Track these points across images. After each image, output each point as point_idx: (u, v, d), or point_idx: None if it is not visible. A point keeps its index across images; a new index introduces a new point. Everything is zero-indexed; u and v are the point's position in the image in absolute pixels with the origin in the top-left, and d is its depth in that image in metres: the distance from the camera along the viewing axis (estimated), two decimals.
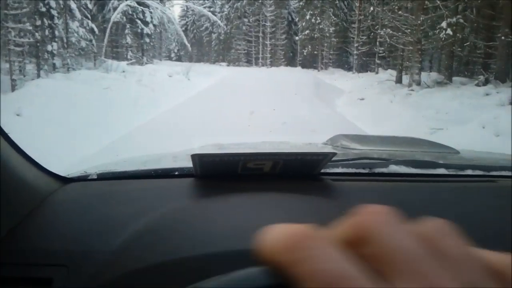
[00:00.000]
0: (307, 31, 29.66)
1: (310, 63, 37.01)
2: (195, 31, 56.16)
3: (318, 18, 28.34)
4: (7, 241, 0.72)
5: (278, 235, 0.22)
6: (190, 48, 23.13)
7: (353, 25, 26.19)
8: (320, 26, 28.44)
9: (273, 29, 38.01)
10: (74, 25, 14.98)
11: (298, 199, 0.85)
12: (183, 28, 60.13)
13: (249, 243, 0.61)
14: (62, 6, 14.34)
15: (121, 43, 23.22)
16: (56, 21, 13.61)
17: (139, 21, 22.92)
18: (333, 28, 28.28)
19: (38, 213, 0.80)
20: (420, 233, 0.20)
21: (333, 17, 28.26)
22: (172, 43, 59.06)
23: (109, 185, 0.99)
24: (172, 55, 57.11)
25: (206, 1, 50.54)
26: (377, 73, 20.81)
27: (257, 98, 11.65)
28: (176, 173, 1.02)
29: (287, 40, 38.68)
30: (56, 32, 13.76)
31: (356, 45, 24.63)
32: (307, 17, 29.24)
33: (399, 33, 12.94)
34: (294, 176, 0.97)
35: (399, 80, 15.40)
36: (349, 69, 29.83)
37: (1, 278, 0.66)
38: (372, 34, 22.65)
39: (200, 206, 0.84)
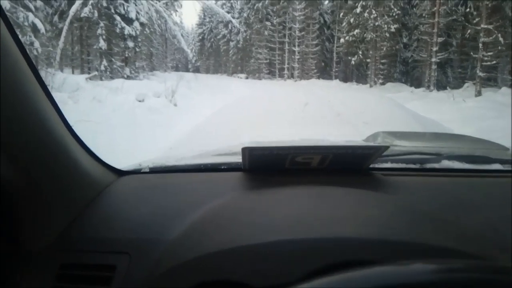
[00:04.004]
0: (356, 31, 21.88)
1: (348, 75, 29.64)
2: (212, 39, 50.98)
3: (374, 12, 20.49)
4: (71, 230, 0.75)
5: None
6: (190, 56, 16.35)
7: (423, 20, 18.45)
8: (376, 23, 20.55)
9: (302, 33, 30.82)
10: None
11: (348, 192, 0.83)
12: (200, 37, 55.08)
13: (301, 233, 0.63)
14: None
15: (96, 48, 16.46)
16: None
17: (118, 17, 16.07)
18: (395, 26, 20.47)
19: (98, 204, 0.84)
20: None
21: (394, 9, 20.43)
22: (190, 53, 54.01)
23: (162, 177, 1.01)
24: (189, 66, 52.26)
25: (224, 7, 45.11)
26: (479, 93, 13.17)
27: None
28: (224, 167, 1.03)
29: (319, 47, 31.38)
30: None
31: (434, 49, 16.95)
32: (357, 10, 21.42)
33: None
34: (342, 171, 0.94)
35: None
36: (413, 83, 22.21)
37: (68, 264, 0.69)
38: (467, 30, 14.99)
39: (250, 199, 0.84)
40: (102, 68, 15.57)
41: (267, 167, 0.95)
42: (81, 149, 0.83)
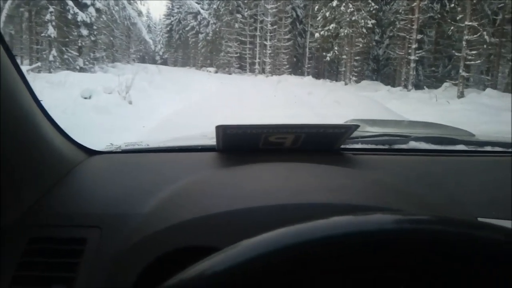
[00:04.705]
0: (331, 26, 20.59)
1: (320, 72, 28.85)
2: (180, 31, 48.99)
3: (351, 6, 19.22)
4: (40, 205, 0.74)
5: None
6: (153, 47, 14.81)
7: (400, 16, 17.75)
8: (353, 18, 19.36)
9: (274, 26, 29.67)
10: None
11: (318, 167, 0.86)
12: (168, 29, 52.94)
13: (270, 201, 0.65)
14: None
15: (45, 36, 14.65)
16: None
17: (70, 2, 14.34)
18: (372, 22, 19.50)
19: (68, 181, 0.83)
20: None
21: (372, 3, 19.33)
22: (158, 44, 52.35)
23: (134, 157, 1.02)
24: (157, 58, 50.51)
25: None
26: (461, 94, 12.48)
27: None
28: (198, 148, 1.04)
29: (291, 41, 30.33)
30: None
31: (413, 46, 16.23)
32: (334, 3, 20.08)
33: None
34: (314, 151, 0.97)
35: None
36: (384, 81, 21.55)
37: (38, 239, 0.68)
38: (444, 27, 14.31)
39: (222, 174, 0.86)
40: (51, 58, 13.87)
41: (241, 147, 0.96)
42: (51, 127, 0.82)
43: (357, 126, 0.93)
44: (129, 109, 8.19)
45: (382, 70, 25.47)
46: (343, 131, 0.92)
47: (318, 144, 0.96)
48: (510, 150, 1.07)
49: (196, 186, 0.77)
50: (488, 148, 1.07)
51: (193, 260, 0.33)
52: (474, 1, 12.41)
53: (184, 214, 0.65)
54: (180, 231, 0.62)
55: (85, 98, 7.83)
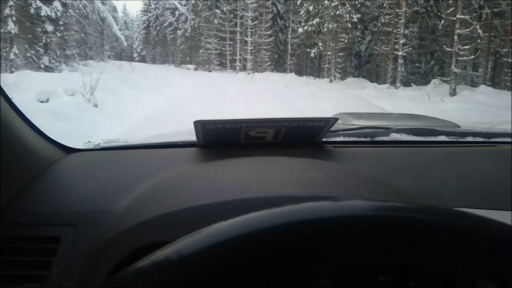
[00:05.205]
0: (315, 20, 19.75)
1: (303, 68, 28.17)
2: (158, 27, 47.62)
3: (335, 0, 18.34)
4: (12, 205, 0.74)
5: None
6: (125, 43, 14.02)
7: (385, 11, 17.18)
8: (338, 12, 18.46)
9: (254, 22, 28.80)
10: None
11: (297, 160, 0.87)
12: (145, 25, 51.46)
13: (243, 194, 0.64)
14: None
15: (5, 32, 13.39)
16: None
17: None
18: (357, 16, 18.64)
19: (43, 179, 0.82)
20: None
21: None
22: (135, 41, 51.02)
23: (113, 154, 1.01)
24: (135, 55, 49.25)
25: None
26: (454, 92, 11.90)
27: None
28: (179, 143, 1.04)
29: (272, 38, 29.52)
30: None
31: (401, 41, 15.63)
32: None
33: None
34: (296, 144, 0.98)
35: None
36: (366, 77, 21.00)
37: (11, 237, 0.67)
38: (428, 21, 13.74)
39: (199, 170, 0.86)
40: (12, 56, 12.66)
41: (222, 142, 0.95)
42: (25, 125, 0.81)
43: (337, 119, 0.92)
44: (93, 113, 7.25)
45: (364, 67, 24.99)
46: (322, 124, 0.92)
47: (299, 138, 0.96)
48: (490, 140, 1.07)
49: (172, 181, 0.76)
50: (470, 139, 1.09)
51: None
52: None
53: (158, 209, 0.63)
54: (153, 226, 0.61)
55: (41, 101, 6.84)
